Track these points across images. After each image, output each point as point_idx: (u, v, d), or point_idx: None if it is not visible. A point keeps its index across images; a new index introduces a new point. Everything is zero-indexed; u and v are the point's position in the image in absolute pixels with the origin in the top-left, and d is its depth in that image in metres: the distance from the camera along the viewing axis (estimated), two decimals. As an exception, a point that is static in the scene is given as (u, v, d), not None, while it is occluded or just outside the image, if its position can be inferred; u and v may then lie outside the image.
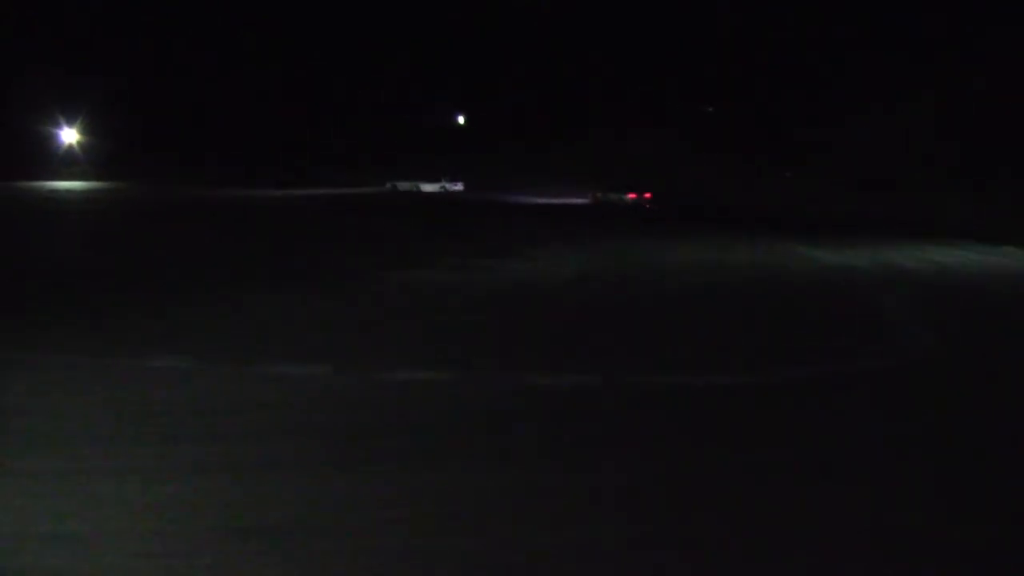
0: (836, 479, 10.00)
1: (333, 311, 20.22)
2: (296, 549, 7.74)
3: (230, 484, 9.22)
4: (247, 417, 11.72)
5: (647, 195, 73.07)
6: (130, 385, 13.13)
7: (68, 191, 70.47)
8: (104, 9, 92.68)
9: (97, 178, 78.08)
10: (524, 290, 24.44)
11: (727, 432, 11.70)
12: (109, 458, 9.98)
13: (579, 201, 76.17)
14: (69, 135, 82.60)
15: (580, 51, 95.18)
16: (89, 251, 32.74)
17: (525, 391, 13.34)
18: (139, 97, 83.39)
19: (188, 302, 20.56)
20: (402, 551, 7.80)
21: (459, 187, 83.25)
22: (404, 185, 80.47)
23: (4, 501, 8.62)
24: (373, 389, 13.29)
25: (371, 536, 8.07)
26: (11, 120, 79.21)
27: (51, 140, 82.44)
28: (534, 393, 13.24)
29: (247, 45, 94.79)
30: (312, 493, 9.05)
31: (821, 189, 65.22)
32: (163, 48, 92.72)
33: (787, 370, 15.47)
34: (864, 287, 26.74)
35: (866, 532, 8.42)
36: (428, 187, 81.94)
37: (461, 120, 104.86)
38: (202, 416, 11.67)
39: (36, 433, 10.80)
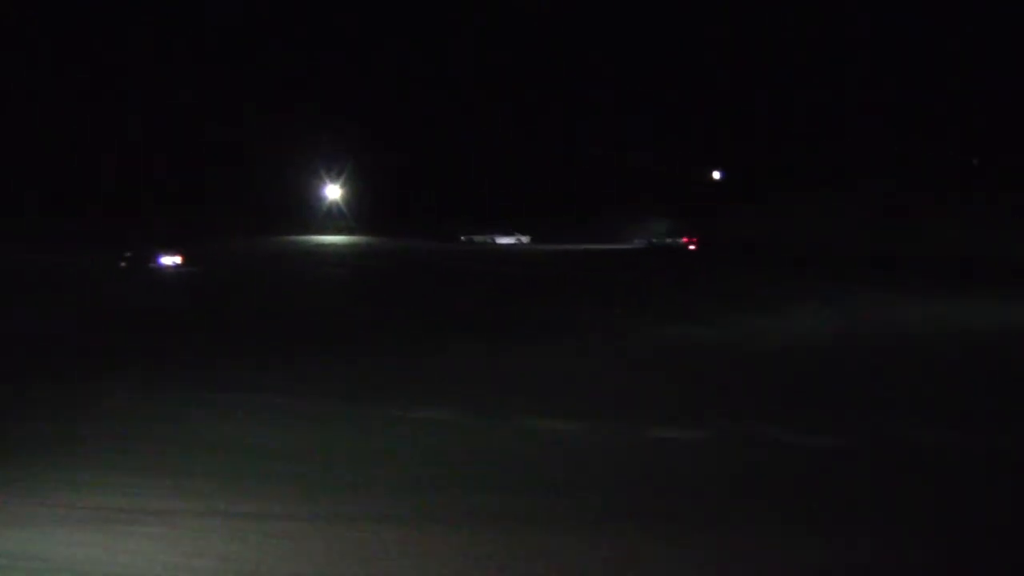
0: None
1: (585, 365, 20.31)
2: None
3: (498, 535, 9.26)
4: (510, 470, 11.88)
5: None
6: (398, 434, 13.83)
7: (328, 245, 75.76)
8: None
9: (359, 232, 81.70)
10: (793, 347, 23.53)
11: None
12: (376, 505, 10.38)
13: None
14: (333, 191, 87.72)
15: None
16: (340, 300, 34.97)
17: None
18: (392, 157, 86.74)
19: (441, 351, 21.35)
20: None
21: (526, 240, 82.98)
22: (479, 238, 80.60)
23: (268, 545, 8.99)
24: (639, 446, 13.28)
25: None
26: (279, 177, 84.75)
27: (316, 196, 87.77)
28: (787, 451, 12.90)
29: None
30: (580, 548, 8.88)
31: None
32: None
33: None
34: None
35: None
36: (503, 240, 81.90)
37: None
38: (467, 467, 11.98)
39: (308, 480, 11.40)
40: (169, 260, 48.46)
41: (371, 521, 9.75)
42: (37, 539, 8.92)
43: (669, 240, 73.12)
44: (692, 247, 70.94)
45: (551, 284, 42.29)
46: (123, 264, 46.91)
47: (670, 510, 10.23)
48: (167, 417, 15.15)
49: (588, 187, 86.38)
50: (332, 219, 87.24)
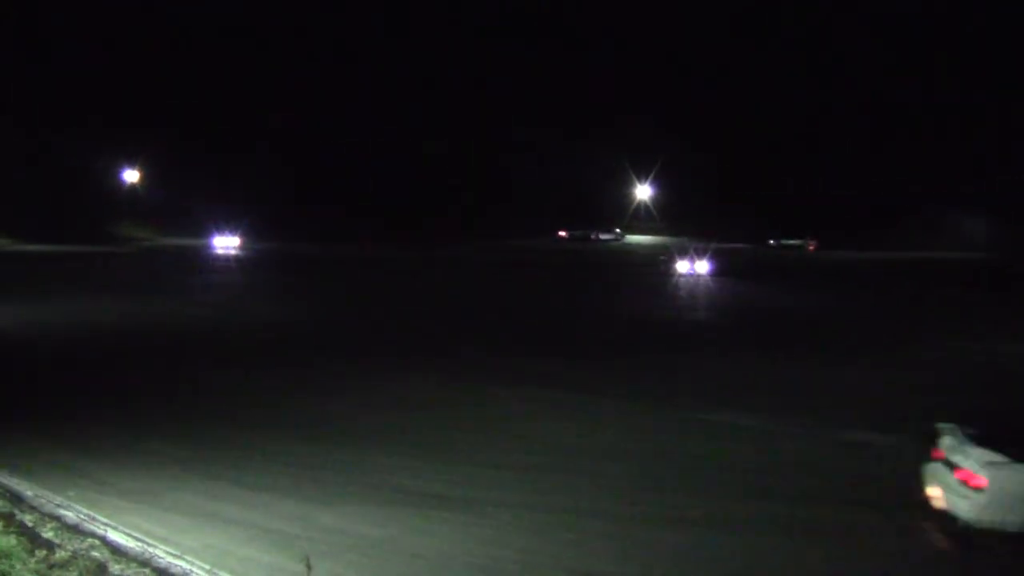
0: None
1: (898, 379, 19.22)
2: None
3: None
4: (815, 478, 11.68)
5: None
6: (693, 437, 13.95)
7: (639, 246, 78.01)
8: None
9: (665, 232, 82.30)
10: None
11: None
12: (676, 505, 10.51)
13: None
14: (642, 191, 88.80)
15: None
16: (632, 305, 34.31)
17: None
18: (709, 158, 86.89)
19: (738, 360, 21.32)
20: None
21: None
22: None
23: (569, 541, 9.34)
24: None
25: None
26: (587, 177, 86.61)
27: (624, 195, 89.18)
28: None
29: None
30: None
31: None
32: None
33: None
34: None
35: None
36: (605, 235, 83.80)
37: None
38: (764, 474, 11.90)
39: (610, 478, 11.67)
40: None
41: (663, 522, 9.90)
42: (350, 516, 9.80)
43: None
44: None
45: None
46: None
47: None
48: (468, 408, 15.99)
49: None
50: (639, 219, 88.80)
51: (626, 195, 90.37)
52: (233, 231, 70.83)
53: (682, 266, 48.20)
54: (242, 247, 68.90)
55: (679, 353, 22.69)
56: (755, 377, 19.17)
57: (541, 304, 33.94)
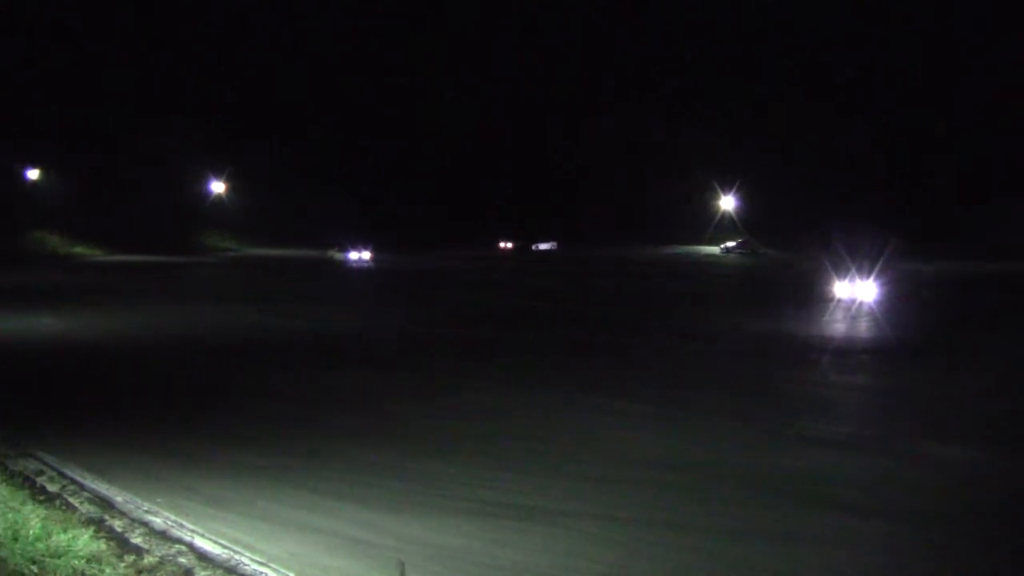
0: None
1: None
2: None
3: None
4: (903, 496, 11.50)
5: None
6: (783, 451, 13.76)
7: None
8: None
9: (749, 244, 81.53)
10: None
11: None
12: (761, 521, 10.40)
13: None
14: (726, 202, 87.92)
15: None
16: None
17: None
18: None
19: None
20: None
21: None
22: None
23: (645, 554, 9.34)
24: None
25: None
26: (669, 187, 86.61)
27: (708, 207, 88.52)
28: None
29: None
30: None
31: None
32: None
33: None
34: None
35: None
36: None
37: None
38: (851, 489, 11.76)
39: (689, 490, 11.62)
40: None
41: (754, 537, 9.78)
42: (433, 527, 9.87)
43: None
44: None
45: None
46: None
47: None
48: (551, 418, 15.91)
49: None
50: (723, 230, 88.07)
51: (710, 206, 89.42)
52: (365, 243, 72.89)
53: (841, 289, 37.72)
54: (374, 259, 71.24)
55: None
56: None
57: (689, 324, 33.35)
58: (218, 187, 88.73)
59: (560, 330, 29.24)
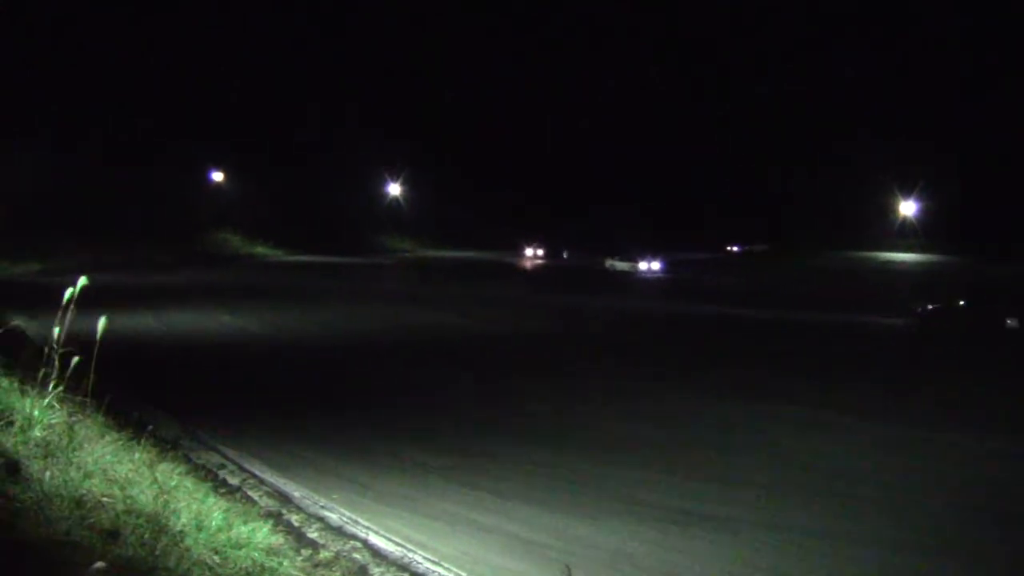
0: None
1: None
2: None
3: None
4: None
5: None
6: (955, 461, 13.48)
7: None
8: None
9: (932, 250, 78.92)
10: None
11: None
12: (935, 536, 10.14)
13: None
14: (907, 207, 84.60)
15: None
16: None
17: None
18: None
19: None
20: None
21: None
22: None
23: (826, 567, 9.12)
24: None
25: None
26: (850, 190, 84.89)
27: (889, 211, 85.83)
28: None
29: None
30: None
31: None
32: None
33: None
34: None
35: None
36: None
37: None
38: None
39: (869, 502, 11.33)
40: None
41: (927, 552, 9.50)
42: (603, 529, 9.84)
43: None
44: None
45: None
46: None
47: None
48: (718, 424, 15.80)
49: None
50: (903, 236, 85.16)
51: (890, 210, 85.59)
52: (653, 252, 68.13)
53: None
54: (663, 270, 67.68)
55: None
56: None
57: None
58: (394, 189, 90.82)
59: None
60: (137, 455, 7.96)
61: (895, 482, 12.13)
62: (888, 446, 14.28)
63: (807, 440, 14.56)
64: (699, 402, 17.74)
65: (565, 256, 79.22)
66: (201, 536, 6.51)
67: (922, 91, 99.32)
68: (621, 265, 68.25)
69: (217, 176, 76.46)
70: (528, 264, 74.68)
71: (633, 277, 64.31)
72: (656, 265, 67.48)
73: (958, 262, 68.38)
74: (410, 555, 8.01)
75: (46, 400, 7.16)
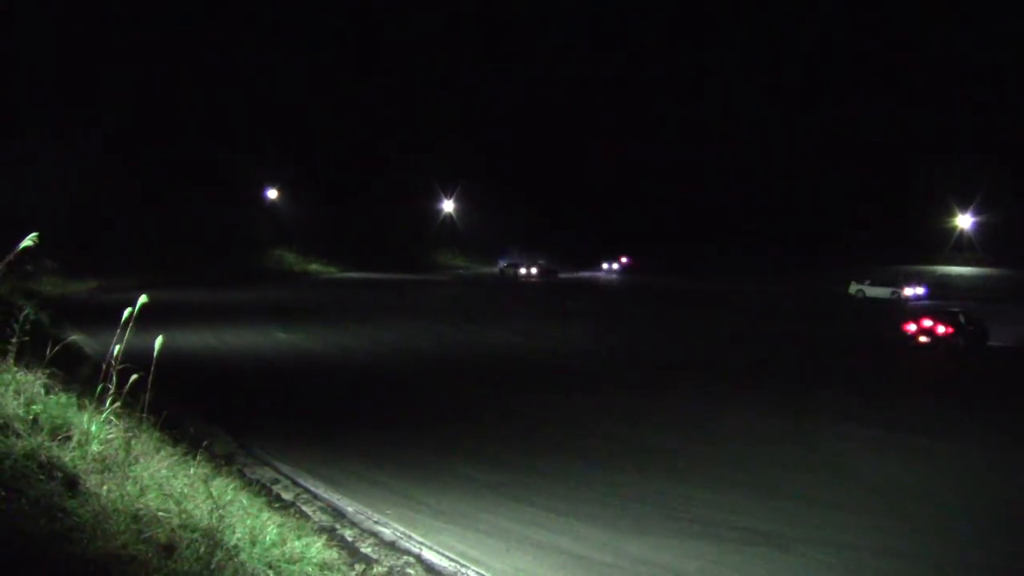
0: None
1: None
2: None
3: None
4: None
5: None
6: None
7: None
8: None
9: (988, 264, 77.26)
10: None
11: None
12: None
13: None
14: (964, 221, 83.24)
15: None
16: None
17: None
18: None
19: None
20: None
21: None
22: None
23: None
24: None
25: None
26: (910, 207, 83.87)
27: (947, 225, 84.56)
28: None
29: None
30: None
31: None
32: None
33: None
34: None
35: None
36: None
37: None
38: None
39: (941, 521, 11.48)
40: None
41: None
42: (660, 547, 9.80)
43: None
44: None
45: None
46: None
47: None
48: (783, 443, 15.67)
49: None
50: (959, 250, 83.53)
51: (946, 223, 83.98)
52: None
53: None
54: None
55: None
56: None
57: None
58: (448, 206, 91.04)
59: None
60: (192, 470, 8.07)
61: (970, 505, 12.05)
62: (960, 469, 14.20)
63: (875, 459, 14.44)
64: (765, 420, 17.57)
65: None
66: (255, 551, 6.59)
67: (979, 103, 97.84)
68: (874, 291, 58.90)
69: (272, 193, 77.24)
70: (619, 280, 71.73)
71: (900, 306, 53.29)
72: (920, 290, 58.91)
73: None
74: (464, 571, 8.04)
75: (103, 415, 7.28)
